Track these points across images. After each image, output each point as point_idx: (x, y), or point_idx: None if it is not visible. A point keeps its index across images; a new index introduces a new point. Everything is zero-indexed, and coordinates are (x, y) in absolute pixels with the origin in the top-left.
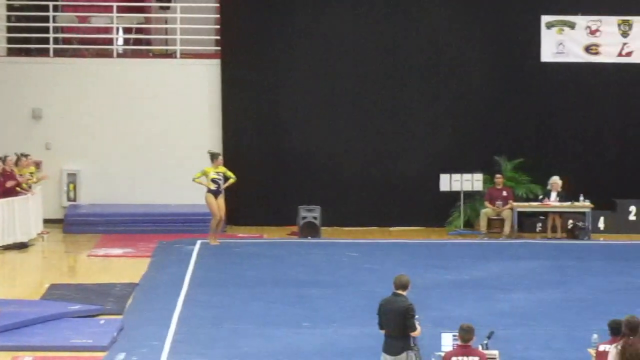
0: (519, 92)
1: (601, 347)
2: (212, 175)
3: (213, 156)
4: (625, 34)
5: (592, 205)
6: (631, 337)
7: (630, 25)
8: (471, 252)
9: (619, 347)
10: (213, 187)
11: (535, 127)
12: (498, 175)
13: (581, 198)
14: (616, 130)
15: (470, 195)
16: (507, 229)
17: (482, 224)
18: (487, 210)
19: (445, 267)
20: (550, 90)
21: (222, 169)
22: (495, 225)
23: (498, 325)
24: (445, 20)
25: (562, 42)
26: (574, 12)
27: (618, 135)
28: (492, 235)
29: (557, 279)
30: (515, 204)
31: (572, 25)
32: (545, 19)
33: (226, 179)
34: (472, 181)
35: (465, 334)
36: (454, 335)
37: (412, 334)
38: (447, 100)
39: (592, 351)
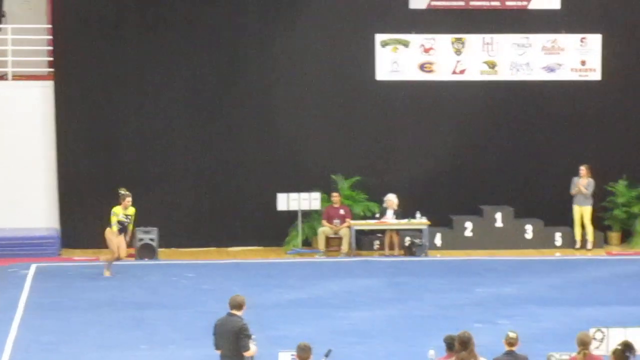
0: (354, 111)
1: None
2: (120, 217)
3: (121, 196)
4: (458, 52)
5: (428, 222)
6: (463, 352)
7: (463, 43)
8: (310, 270)
9: None
10: (116, 228)
11: (371, 145)
12: (335, 194)
13: (418, 215)
14: (451, 147)
15: (308, 214)
16: (345, 247)
17: (320, 242)
18: (325, 229)
19: (283, 286)
20: (385, 109)
21: (132, 210)
22: (333, 243)
23: (337, 343)
24: (280, 38)
25: (397, 60)
26: (408, 31)
27: (453, 152)
28: (330, 253)
29: (395, 296)
30: (352, 222)
31: (406, 44)
32: (379, 37)
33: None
34: (309, 200)
35: (303, 353)
36: (292, 355)
37: (246, 354)
38: (282, 119)
39: None
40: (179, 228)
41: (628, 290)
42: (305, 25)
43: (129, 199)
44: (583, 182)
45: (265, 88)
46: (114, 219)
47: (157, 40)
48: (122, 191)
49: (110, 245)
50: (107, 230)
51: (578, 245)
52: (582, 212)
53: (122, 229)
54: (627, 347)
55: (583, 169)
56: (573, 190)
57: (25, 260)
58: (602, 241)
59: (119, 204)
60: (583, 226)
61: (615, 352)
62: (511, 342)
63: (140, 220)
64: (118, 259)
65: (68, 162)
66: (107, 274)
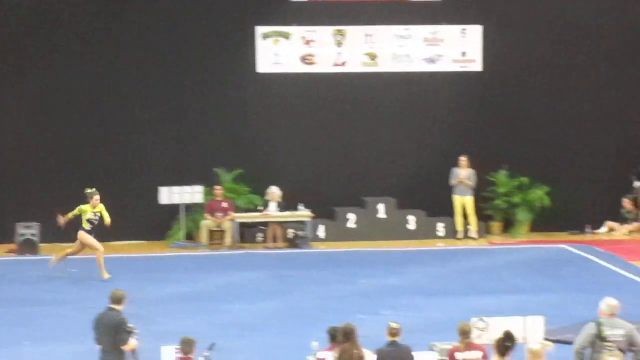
0: (236, 104)
1: (321, 355)
2: (89, 215)
3: (89, 195)
4: (340, 44)
5: (312, 215)
6: (346, 344)
7: (344, 36)
8: (193, 264)
9: (336, 354)
10: (88, 227)
11: (253, 138)
12: (218, 187)
13: (301, 207)
14: (333, 139)
15: (191, 208)
16: (228, 240)
17: (204, 236)
18: (207, 222)
19: (167, 281)
20: (267, 101)
21: (100, 208)
22: (216, 237)
23: (220, 336)
24: (159, 30)
25: (278, 52)
26: (289, 23)
27: (335, 144)
28: (213, 247)
29: (279, 288)
30: (235, 215)
31: (287, 36)
32: (260, 30)
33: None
34: (192, 193)
35: (186, 347)
36: (175, 349)
37: (125, 347)
38: (165, 113)
39: (312, 359)
40: None
41: (509, 279)
42: (185, 17)
43: (97, 197)
44: (464, 174)
45: (147, 82)
46: (84, 218)
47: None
48: (89, 190)
49: (92, 243)
50: (81, 232)
51: (460, 235)
52: (464, 202)
53: (92, 230)
54: (507, 336)
55: (463, 160)
56: (454, 181)
57: None
58: (484, 231)
59: (87, 202)
60: (465, 216)
61: (497, 341)
62: (393, 333)
63: (21, 215)
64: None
65: None
66: (105, 275)
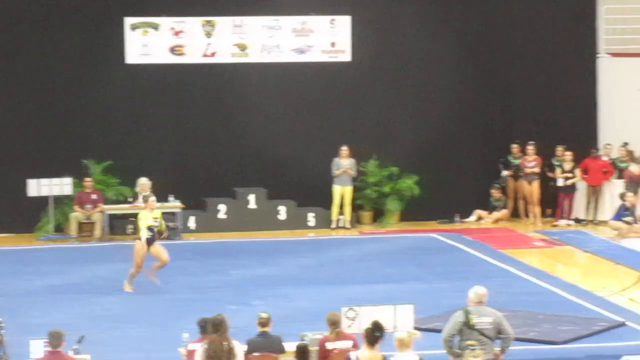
0: (105, 94)
1: (191, 346)
2: (150, 222)
3: (143, 199)
4: (209, 35)
5: (182, 205)
6: (215, 334)
7: (213, 26)
8: (62, 256)
9: (205, 345)
10: (148, 235)
11: (122, 129)
12: (87, 179)
13: (171, 198)
14: (205, 129)
15: (59, 200)
16: (97, 232)
17: (73, 228)
18: (77, 214)
19: (36, 273)
20: (137, 92)
21: (158, 213)
22: (86, 228)
23: (91, 329)
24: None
25: (147, 43)
26: (158, 14)
27: (207, 134)
28: (83, 239)
29: (149, 280)
30: (105, 206)
31: (156, 27)
32: (129, 20)
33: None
34: (61, 185)
35: (54, 340)
36: (43, 342)
37: None
38: (31, 104)
39: (182, 350)
40: None
41: (379, 268)
42: (53, 7)
43: (152, 200)
44: (347, 163)
45: (13, 73)
46: (141, 226)
47: None
48: (143, 192)
49: (136, 259)
50: (137, 242)
51: (334, 225)
52: (344, 192)
53: (152, 238)
54: (376, 326)
55: (344, 150)
56: (337, 171)
57: None
58: (354, 220)
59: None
60: (340, 206)
61: (365, 331)
62: (263, 323)
63: None
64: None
65: None
66: (127, 288)
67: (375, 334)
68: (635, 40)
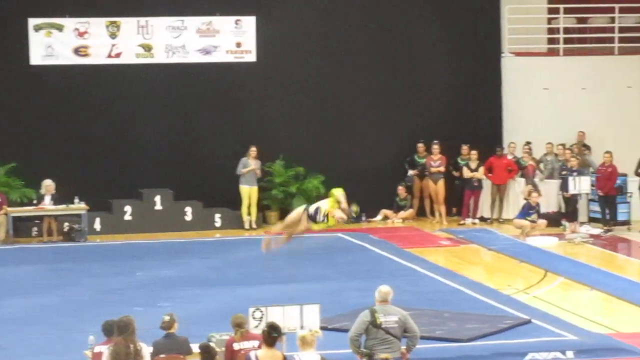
0: (9, 96)
1: (97, 349)
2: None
3: None
4: (113, 35)
5: (87, 207)
6: (119, 337)
7: (118, 27)
8: None
9: (111, 347)
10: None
11: (27, 131)
12: None
13: (76, 200)
14: (110, 130)
15: None
16: (2, 234)
17: None
18: None
19: None
20: (41, 93)
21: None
22: None
23: None
24: None
25: (52, 44)
26: (62, 15)
27: (112, 135)
28: None
29: (54, 282)
30: (9, 209)
31: (60, 28)
32: (32, 21)
33: None
34: None
35: None
36: None
37: None
38: None
39: (88, 353)
40: None
41: (286, 268)
42: None
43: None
44: (255, 163)
45: None
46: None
47: None
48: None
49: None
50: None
51: (247, 225)
52: (251, 192)
53: None
54: (272, 328)
55: (253, 150)
56: (243, 170)
57: None
58: (261, 221)
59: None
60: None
61: (262, 333)
62: (165, 327)
63: None
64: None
65: None
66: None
67: (272, 334)
68: (538, 39)
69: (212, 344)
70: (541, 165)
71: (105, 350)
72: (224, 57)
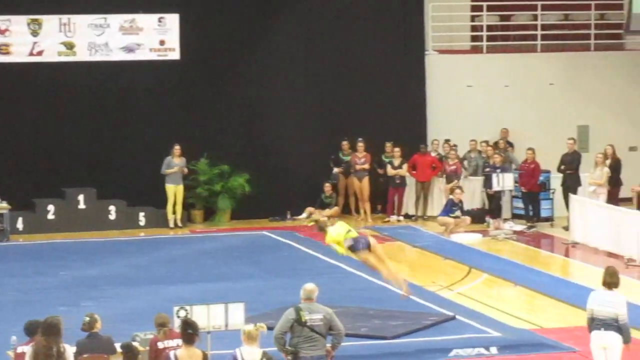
0: None
1: (19, 349)
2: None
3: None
4: (35, 33)
5: (9, 206)
6: (42, 337)
7: (40, 25)
8: None
9: (33, 347)
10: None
11: None
12: None
13: None
14: (33, 128)
15: None
16: None
17: None
18: None
19: None
20: None
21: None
22: None
23: None
24: None
25: None
26: None
27: (34, 133)
28: None
29: None
30: None
31: None
32: None
33: None
34: None
35: None
36: None
37: None
38: None
39: (11, 353)
40: None
41: (211, 267)
42: None
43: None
44: (180, 162)
45: None
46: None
47: None
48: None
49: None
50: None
51: (172, 224)
52: (176, 191)
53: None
54: (186, 324)
55: (177, 149)
56: (167, 171)
57: None
58: (185, 219)
59: None
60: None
61: (180, 330)
62: (85, 328)
63: None
64: None
65: None
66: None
67: (188, 331)
68: (461, 37)
69: (136, 343)
70: (465, 163)
71: (28, 350)
72: (147, 55)
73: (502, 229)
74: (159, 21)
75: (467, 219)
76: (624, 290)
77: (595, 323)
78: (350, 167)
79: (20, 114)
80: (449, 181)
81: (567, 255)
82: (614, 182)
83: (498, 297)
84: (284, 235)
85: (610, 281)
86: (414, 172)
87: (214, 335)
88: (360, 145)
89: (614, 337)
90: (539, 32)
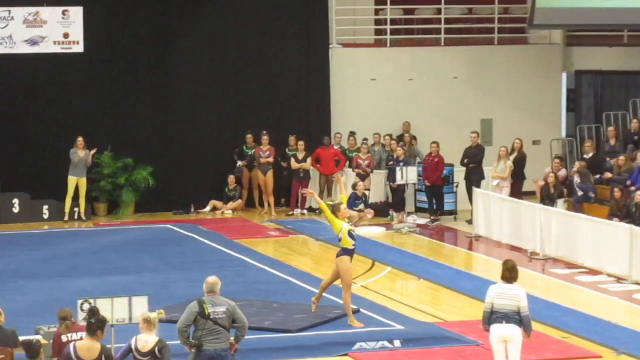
0: None
1: None
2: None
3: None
4: None
5: None
6: None
7: None
8: None
9: None
10: (352, 244)
11: None
12: None
13: None
14: None
15: None
16: None
17: None
18: None
19: None
20: None
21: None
22: None
23: None
24: None
25: None
26: None
27: None
28: None
29: None
30: None
31: None
32: None
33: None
34: None
35: None
36: None
37: None
38: None
39: None
40: None
41: (115, 260)
42: None
43: (343, 206)
44: (84, 154)
45: None
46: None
47: None
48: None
49: (346, 277)
50: (342, 258)
51: (67, 217)
52: (79, 183)
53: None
54: (90, 312)
55: (80, 141)
56: (75, 161)
57: None
58: (89, 212)
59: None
60: (74, 197)
61: (85, 320)
62: None
63: None
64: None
65: None
66: (357, 324)
67: (90, 320)
68: (366, 30)
69: (39, 336)
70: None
71: None
72: (51, 47)
73: (405, 222)
74: (63, 14)
75: (371, 212)
76: (526, 284)
77: (494, 316)
78: (254, 160)
79: None
80: (362, 178)
81: (470, 248)
82: (518, 175)
83: (401, 290)
84: (187, 229)
85: (510, 276)
86: (317, 165)
87: (118, 328)
88: (265, 138)
89: (515, 330)
90: (443, 26)
